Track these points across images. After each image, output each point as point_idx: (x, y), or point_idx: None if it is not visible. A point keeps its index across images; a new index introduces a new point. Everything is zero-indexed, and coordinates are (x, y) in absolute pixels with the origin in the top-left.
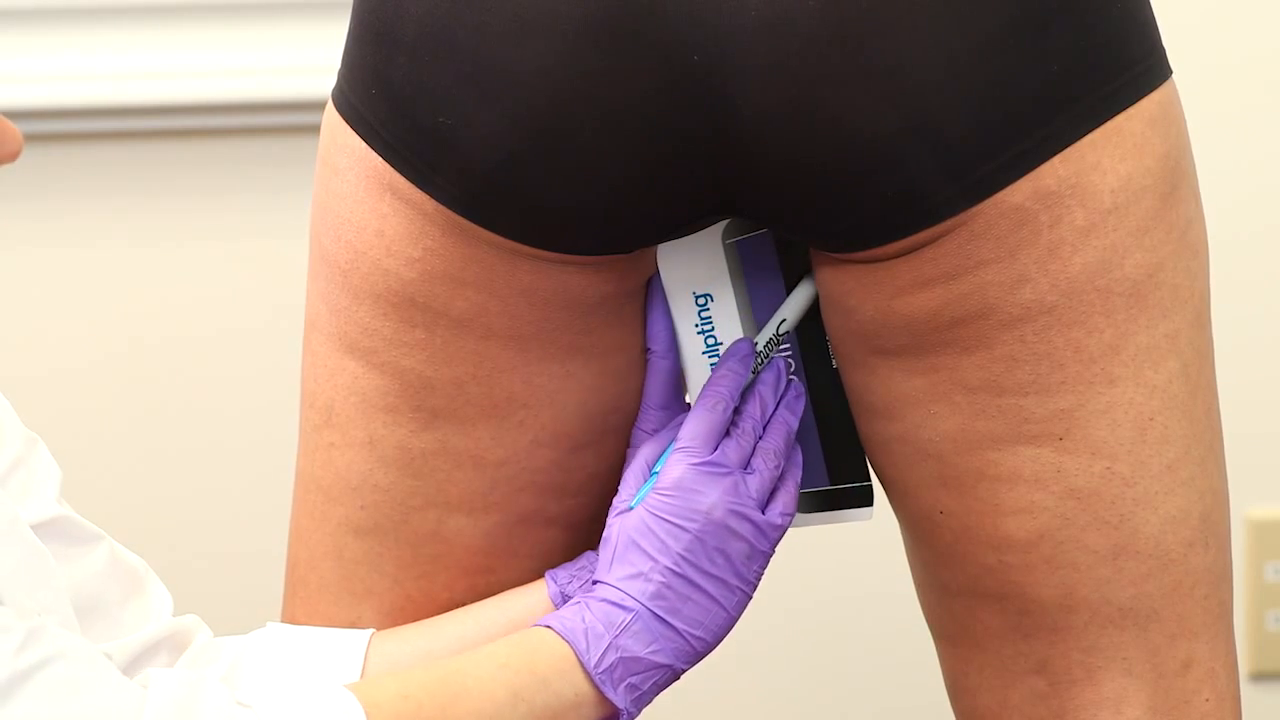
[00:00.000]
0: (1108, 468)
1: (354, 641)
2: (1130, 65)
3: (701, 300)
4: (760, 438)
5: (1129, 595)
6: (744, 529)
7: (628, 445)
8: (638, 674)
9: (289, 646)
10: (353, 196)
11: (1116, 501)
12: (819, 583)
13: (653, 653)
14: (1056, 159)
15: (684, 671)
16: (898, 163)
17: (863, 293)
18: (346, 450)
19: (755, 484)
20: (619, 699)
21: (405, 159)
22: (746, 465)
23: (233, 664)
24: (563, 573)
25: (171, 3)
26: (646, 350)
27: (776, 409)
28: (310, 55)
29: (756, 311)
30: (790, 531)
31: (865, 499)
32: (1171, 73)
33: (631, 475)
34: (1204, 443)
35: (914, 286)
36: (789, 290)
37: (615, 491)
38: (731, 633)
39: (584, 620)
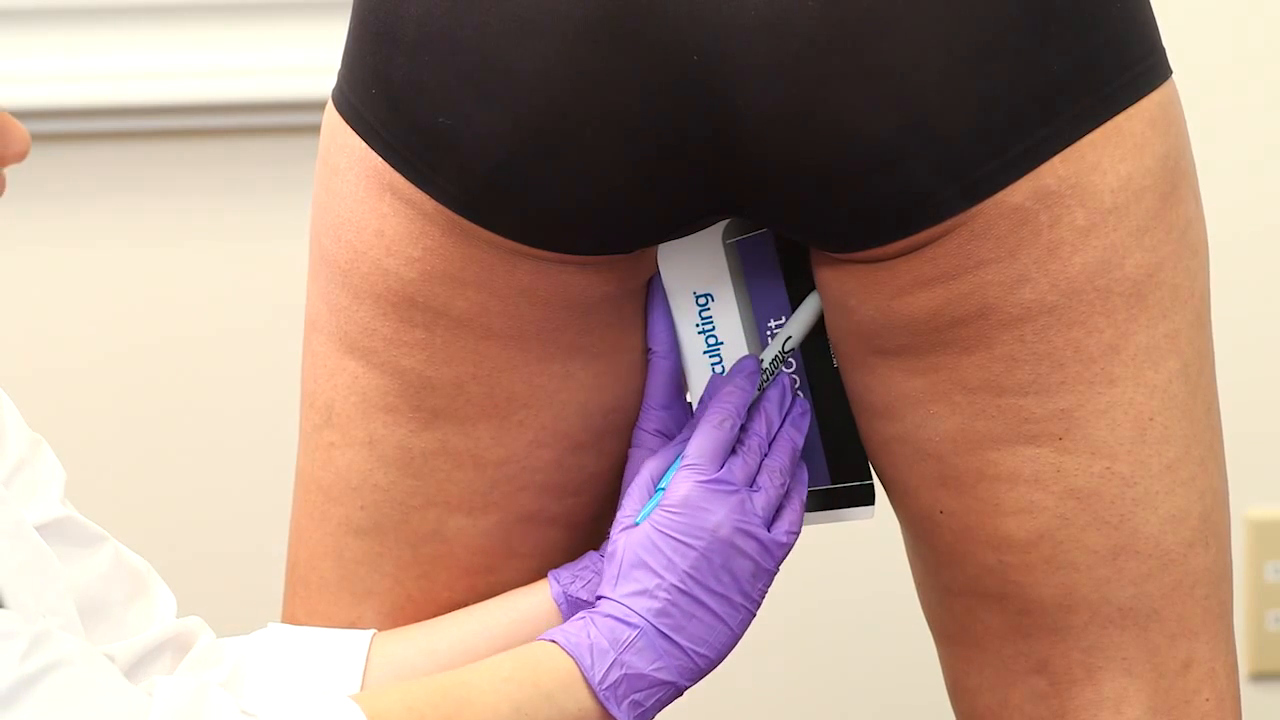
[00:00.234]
0: (1107, 468)
1: (356, 642)
2: (1130, 65)
3: (702, 300)
4: (766, 455)
5: (1129, 595)
6: (750, 547)
7: (628, 445)
8: (641, 690)
9: (291, 648)
10: (353, 196)
11: (1116, 501)
12: (819, 583)
13: (657, 670)
14: (1056, 159)
15: (687, 688)
16: (898, 163)
17: (863, 293)
18: (347, 450)
19: (761, 502)
20: (622, 715)
21: (405, 159)
22: (752, 483)
23: (236, 667)
24: (565, 573)
25: (171, 3)
26: (647, 350)
27: (782, 426)
28: (310, 55)
29: (757, 311)
30: None
31: (866, 498)
32: (1171, 73)
33: (636, 490)
34: (1204, 442)
35: (914, 286)
36: (789, 290)
37: (616, 491)
38: None
39: (589, 636)
